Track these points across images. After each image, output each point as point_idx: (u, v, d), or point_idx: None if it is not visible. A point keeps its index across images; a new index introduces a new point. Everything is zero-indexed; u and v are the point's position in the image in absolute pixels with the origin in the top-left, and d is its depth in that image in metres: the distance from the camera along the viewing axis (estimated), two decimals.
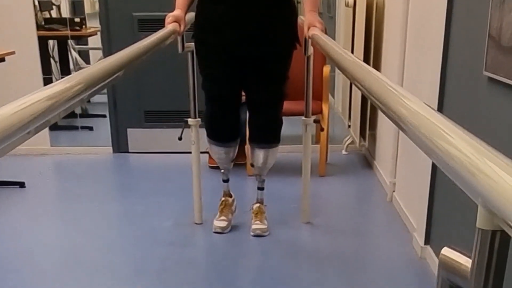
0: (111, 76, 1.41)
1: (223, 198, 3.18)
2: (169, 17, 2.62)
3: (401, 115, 1.05)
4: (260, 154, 2.97)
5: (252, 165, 3.11)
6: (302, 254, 2.89)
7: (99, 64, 1.40)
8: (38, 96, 1.00)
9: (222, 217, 3.11)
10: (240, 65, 2.78)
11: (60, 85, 1.11)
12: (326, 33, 2.48)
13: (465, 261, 0.79)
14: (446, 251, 0.84)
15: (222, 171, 3.13)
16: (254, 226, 3.05)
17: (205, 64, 2.83)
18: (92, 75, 1.29)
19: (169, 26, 2.54)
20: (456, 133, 0.82)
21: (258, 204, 3.14)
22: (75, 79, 1.19)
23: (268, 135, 2.97)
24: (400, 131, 3.54)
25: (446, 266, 0.84)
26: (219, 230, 3.08)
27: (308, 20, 2.60)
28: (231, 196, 3.21)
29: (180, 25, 2.62)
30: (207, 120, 2.94)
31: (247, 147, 3.14)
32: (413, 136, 0.97)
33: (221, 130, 2.94)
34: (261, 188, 3.14)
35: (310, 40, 2.66)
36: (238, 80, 2.83)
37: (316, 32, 2.43)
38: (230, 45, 2.73)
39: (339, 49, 1.85)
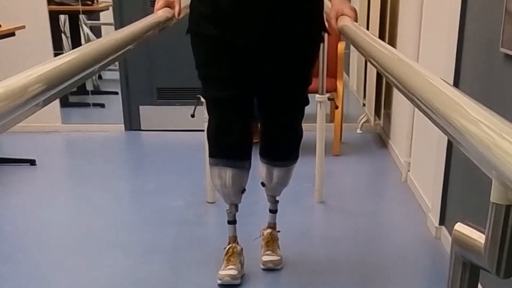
0: (122, 49, 1.38)
1: (228, 246, 2.45)
2: (159, 1, 2.00)
3: (416, 90, 1.03)
4: (274, 173, 2.41)
5: (263, 184, 2.50)
6: (315, 234, 2.86)
7: (109, 37, 1.37)
8: (46, 67, 0.98)
9: (230, 266, 2.39)
10: (250, 62, 2.16)
11: (69, 57, 1.09)
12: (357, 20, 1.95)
13: (479, 237, 0.79)
14: (459, 227, 0.83)
15: (228, 209, 2.42)
16: (265, 258, 2.50)
17: (203, 61, 2.19)
18: (102, 47, 1.26)
19: (159, 13, 1.91)
20: (471, 108, 0.81)
21: (269, 230, 2.57)
22: (84, 51, 1.17)
23: (286, 152, 2.40)
24: (416, 110, 3.46)
25: (459, 242, 0.83)
26: (228, 280, 2.33)
27: (337, 7, 2.01)
28: (238, 244, 2.48)
29: (174, 6, 2.00)
30: (210, 134, 2.32)
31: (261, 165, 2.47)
32: (428, 111, 0.96)
33: (228, 142, 2.25)
34: (273, 211, 2.58)
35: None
36: (247, 81, 2.19)
37: (347, 23, 1.88)
38: (235, 37, 2.09)
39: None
